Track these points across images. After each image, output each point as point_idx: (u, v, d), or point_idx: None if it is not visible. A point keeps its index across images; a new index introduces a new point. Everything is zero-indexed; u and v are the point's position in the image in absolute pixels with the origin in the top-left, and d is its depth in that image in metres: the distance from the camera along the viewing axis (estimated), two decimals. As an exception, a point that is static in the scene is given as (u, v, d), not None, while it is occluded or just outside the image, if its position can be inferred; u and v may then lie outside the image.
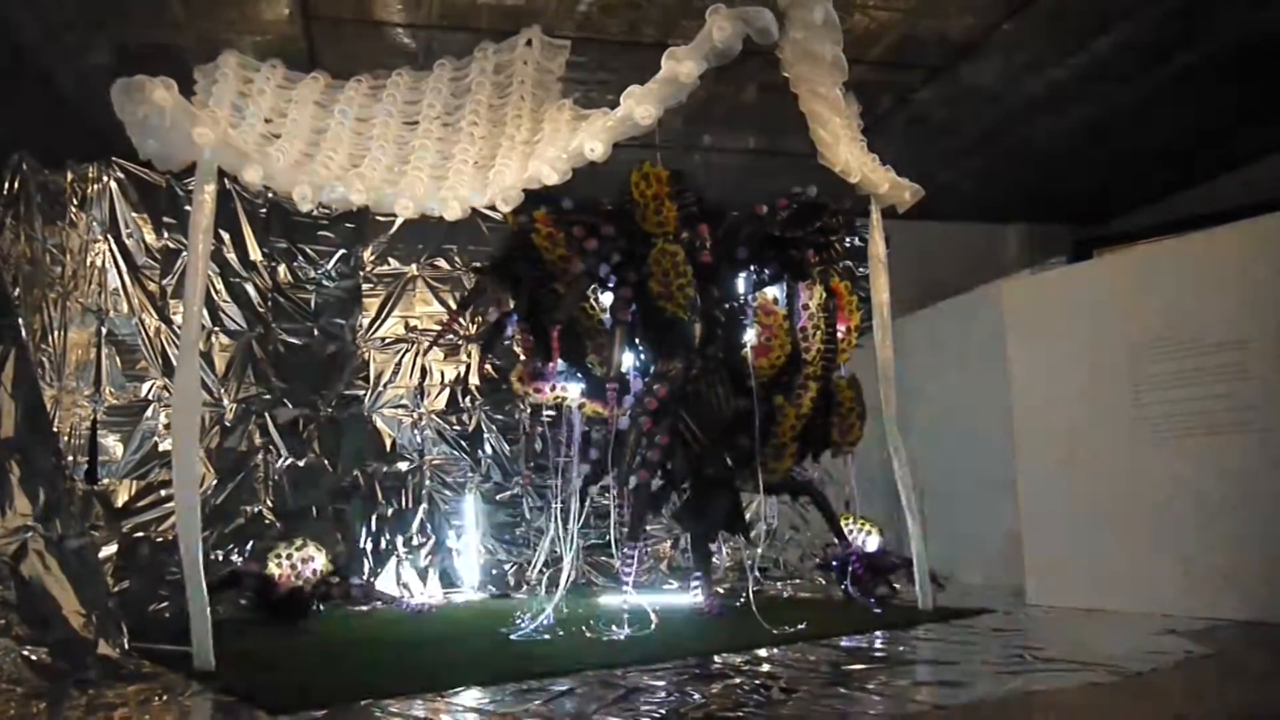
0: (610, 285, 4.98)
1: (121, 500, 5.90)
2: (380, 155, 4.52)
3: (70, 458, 5.74)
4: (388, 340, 6.78)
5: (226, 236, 6.40)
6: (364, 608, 5.90)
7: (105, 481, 5.89)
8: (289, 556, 5.32)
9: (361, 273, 6.79)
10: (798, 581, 6.94)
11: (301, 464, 6.42)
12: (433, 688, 3.31)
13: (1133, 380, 5.07)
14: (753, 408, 4.87)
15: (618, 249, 4.86)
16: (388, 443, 6.66)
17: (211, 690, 3.43)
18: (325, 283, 6.71)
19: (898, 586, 5.80)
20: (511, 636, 4.42)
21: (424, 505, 6.62)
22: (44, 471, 3.80)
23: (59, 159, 6.04)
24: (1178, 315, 4.92)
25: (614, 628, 4.37)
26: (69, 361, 5.91)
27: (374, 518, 6.49)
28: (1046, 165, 7.19)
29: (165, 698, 3.29)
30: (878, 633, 4.53)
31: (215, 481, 6.13)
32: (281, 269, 6.61)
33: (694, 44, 4.21)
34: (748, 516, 6.00)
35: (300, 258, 6.68)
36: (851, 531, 5.86)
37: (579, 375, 5.32)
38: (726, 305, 5.17)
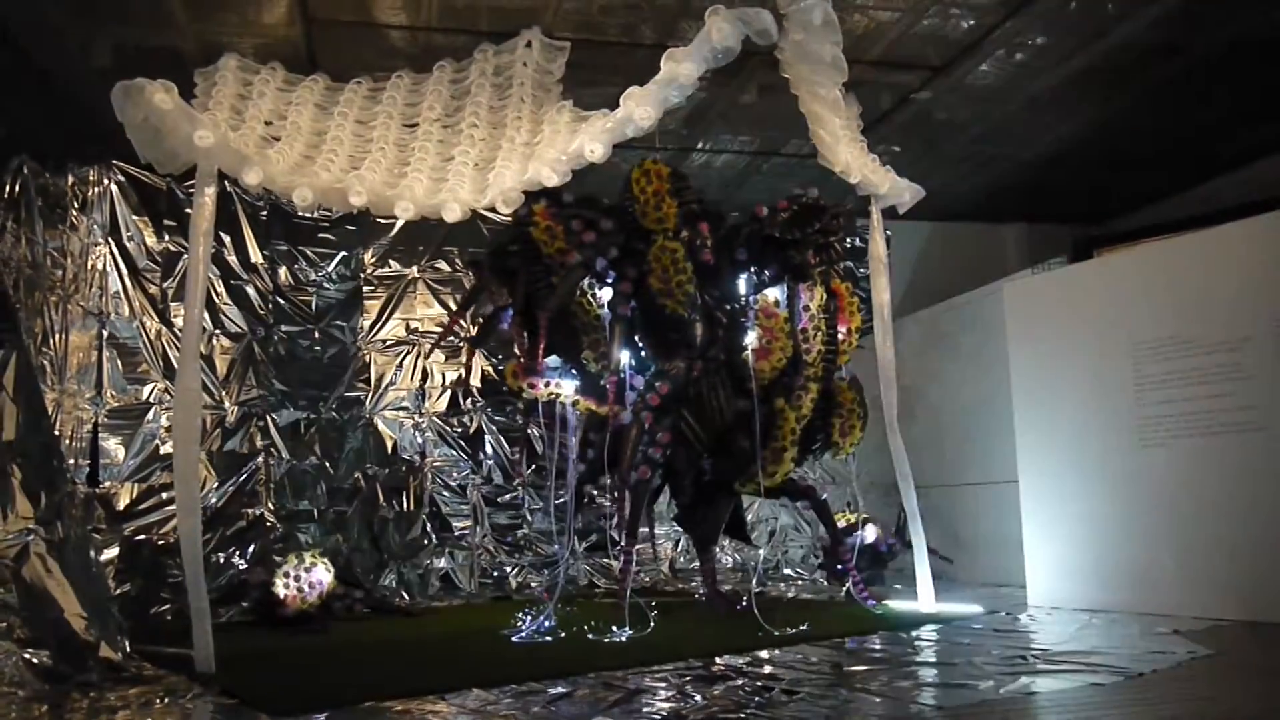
0: (609, 280, 4.98)
1: (123, 503, 5.90)
2: (380, 157, 4.52)
3: (72, 460, 5.74)
4: (389, 342, 6.78)
5: (227, 239, 6.40)
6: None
7: (106, 484, 5.89)
8: (296, 578, 5.25)
9: (362, 275, 6.79)
10: (800, 583, 6.94)
11: (302, 466, 6.41)
12: (434, 690, 3.31)
13: (1133, 380, 5.06)
14: (753, 410, 4.87)
15: (616, 244, 4.86)
16: (389, 445, 6.66)
17: (213, 693, 3.44)
18: (326, 285, 6.71)
19: (898, 587, 5.81)
20: (513, 639, 4.42)
21: (425, 507, 6.63)
22: (46, 474, 3.81)
23: (60, 162, 6.05)
24: (1178, 315, 4.92)
25: (615, 629, 4.37)
26: (70, 364, 5.92)
27: (375, 520, 6.49)
28: (1046, 165, 7.19)
29: (167, 700, 3.30)
30: (879, 633, 4.53)
31: (216, 484, 6.14)
32: (282, 271, 6.61)
33: (693, 45, 4.22)
34: (749, 519, 6.00)
35: (301, 260, 6.68)
36: (855, 526, 5.89)
37: (573, 372, 5.30)
38: (728, 307, 5.17)
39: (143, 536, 5.84)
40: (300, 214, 6.39)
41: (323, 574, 5.37)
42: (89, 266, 6.08)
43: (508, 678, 3.47)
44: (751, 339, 5.08)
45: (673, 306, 4.84)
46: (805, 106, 4.94)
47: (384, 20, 5.02)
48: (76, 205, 6.10)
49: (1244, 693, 3.37)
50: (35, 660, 3.36)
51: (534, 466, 6.70)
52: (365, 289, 6.79)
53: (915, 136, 6.56)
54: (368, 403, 6.65)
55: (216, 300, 6.31)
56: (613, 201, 5.06)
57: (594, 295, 5.20)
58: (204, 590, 3.82)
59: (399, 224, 6.72)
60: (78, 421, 5.88)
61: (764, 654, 4.01)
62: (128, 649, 3.78)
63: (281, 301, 6.57)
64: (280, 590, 5.23)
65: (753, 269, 5.18)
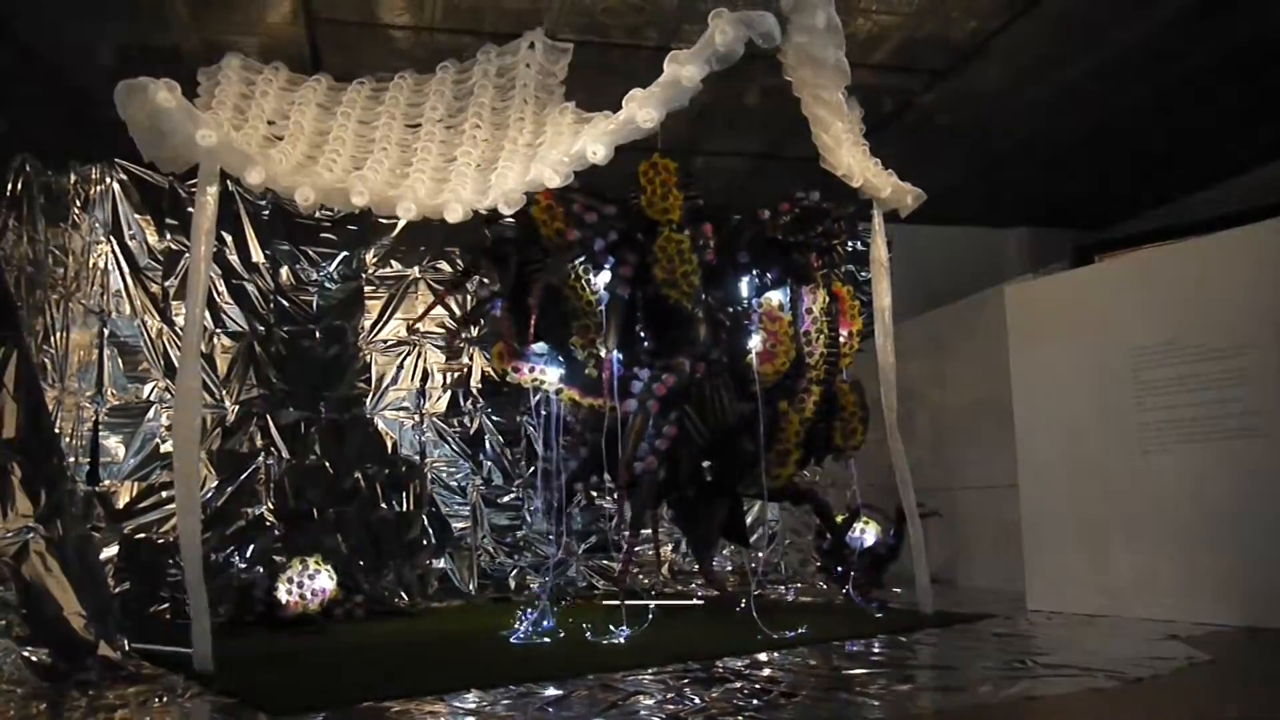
0: (605, 265, 4.96)
1: (123, 502, 5.90)
2: (383, 158, 4.52)
3: (72, 459, 5.73)
4: (389, 342, 6.78)
5: (229, 238, 6.40)
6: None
7: (107, 482, 5.90)
8: (299, 584, 5.28)
9: (363, 275, 6.79)
10: (799, 585, 6.94)
11: (303, 466, 6.41)
12: (432, 691, 3.31)
13: (1135, 385, 5.06)
14: (756, 413, 4.86)
15: (617, 229, 4.84)
16: (389, 445, 6.66)
17: (211, 692, 3.44)
18: (327, 285, 6.71)
19: (898, 590, 5.80)
20: (511, 640, 4.42)
21: (425, 508, 6.62)
22: (46, 473, 3.81)
23: (62, 160, 6.05)
24: (1180, 320, 4.91)
25: (613, 630, 4.37)
26: (71, 363, 5.92)
27: (375, 520, 6.49)
28: (1048, 170, 7.18)
29: (165, 699, 3.30)
30: (878, 637, 4.53)
31: (216, 483, 6.13)
32: (284, 271, 6.61)
33: (696, 48, 4.22)
34: (749, 521, 6.00)
35: (302, 260, 6.68)
36: (855, 528, 5.88)
37: (560, 359, 5.26)
38: (730, 309, 5.16)
39: (143, 535, 5.84)
40: (302, 214, 6.39)
41: (325, 581, 5.38)
42: (90, 265, 6.08)
43: (506, 679, 3.47)
44: (756, 342, 5.07)
45: (677, 297, 4.80)
46: (808, 110, 4.94)
47: (387, 20, 5.02)
48: (78, 203, 6.11)
49: (1244, 698, 3.37)
50: (34, 658, 3.36)
51: (533, 469, 6.69)
52: (366, 289, 6.79)
53: (917, 140, 6.56)
54: (368, 402, 6.65)
55: (218, 299, 6.31)
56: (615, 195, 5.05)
57: (588, 282, 5.14)
58: (204, 590, 3.82)
59: (401, 224, 6.73)
60: (78, 419, 5.89)
61: (763, 657, 4.01)
62: (127, 647, 3.78)
63: (283, 301, 6.58)
64: (283, 595, 5.24)
65: (755, 271, 5.18)
